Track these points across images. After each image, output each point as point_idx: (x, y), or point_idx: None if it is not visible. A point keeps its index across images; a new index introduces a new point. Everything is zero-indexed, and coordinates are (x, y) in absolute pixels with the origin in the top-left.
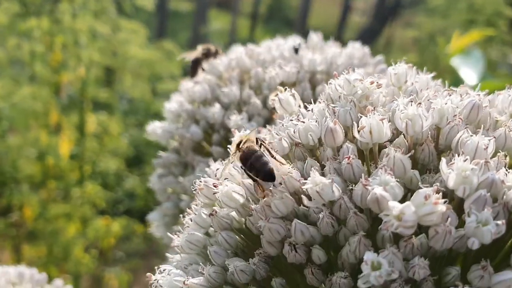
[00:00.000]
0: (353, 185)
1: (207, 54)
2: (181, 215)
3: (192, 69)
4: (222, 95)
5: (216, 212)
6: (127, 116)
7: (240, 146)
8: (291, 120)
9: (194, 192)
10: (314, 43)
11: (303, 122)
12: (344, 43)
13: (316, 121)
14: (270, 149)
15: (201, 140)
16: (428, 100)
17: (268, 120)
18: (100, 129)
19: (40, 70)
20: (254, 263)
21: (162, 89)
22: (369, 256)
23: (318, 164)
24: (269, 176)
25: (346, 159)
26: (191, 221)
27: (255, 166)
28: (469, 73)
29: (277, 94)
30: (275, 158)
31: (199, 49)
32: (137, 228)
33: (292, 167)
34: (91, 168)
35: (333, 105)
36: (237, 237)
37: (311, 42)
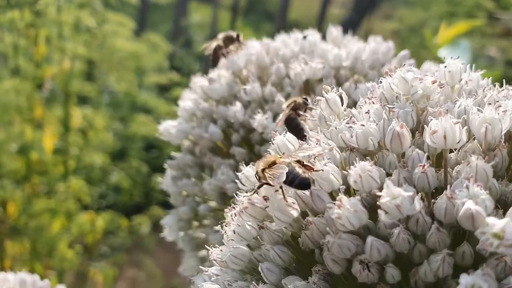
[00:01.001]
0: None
1: (228, 41)
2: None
3: (213, 58)
4: (242, 92)
5: (267, 226)
6: (112, 110)
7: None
8: (347, 123)
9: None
10: (334, 37)
11: (362, 125)
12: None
13: (376, 124)
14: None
15: (220, 141)
16: (497, 101)
17: None
18: (85, 123)
19: (23, 64)
20: (314, 282)
21: (148, 82)
22: (467, 279)
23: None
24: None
25: (420, 167)
26: (234, 233)
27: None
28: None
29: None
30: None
31: (219, 37)
32: (122, 223)
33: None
34: (75, 162)
35: (390, 106)
36: (289, 252)
37: (330, 36)
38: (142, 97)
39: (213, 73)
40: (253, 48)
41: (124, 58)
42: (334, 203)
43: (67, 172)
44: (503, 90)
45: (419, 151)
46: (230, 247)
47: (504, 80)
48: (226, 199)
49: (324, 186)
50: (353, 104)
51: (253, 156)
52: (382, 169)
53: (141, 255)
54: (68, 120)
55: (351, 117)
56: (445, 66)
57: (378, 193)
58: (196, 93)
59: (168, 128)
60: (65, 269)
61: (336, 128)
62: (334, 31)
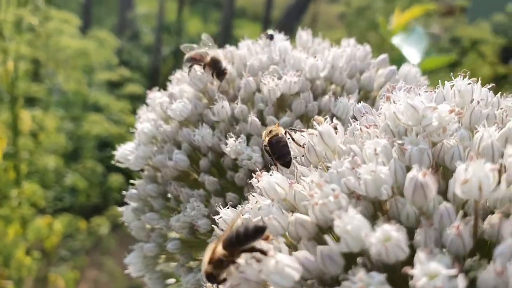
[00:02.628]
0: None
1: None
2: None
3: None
4: (209, 113)
5: None
6: (63, 110)
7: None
8: (352, 166)
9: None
10: (304, 42)
11: (373, 171)
12: (271, 22)
13: (390, 168)
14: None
15: (185, 168)
16: None
17: None
18: (35, 125)
19: None
20: None
21: (98, 80)
22: None
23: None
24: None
25: (453, 228)
26: None
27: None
28: (411, 51)
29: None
30: None
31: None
32: (81, 225)
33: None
34: (27, 166)
35: (399, 141)
36: None
37: (300, 41)
38: (93, 95)
39: (174, 88)
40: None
41: (71, 56)
42: (353, 281)
43: (19, 177)
44: None
45: (448, 206)
46: None
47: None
48: (197, 233)
49: (352, 244)
50: (331, 117)
51: (225, 183)
52: (404, 230)
53: (102, 256)
54: (16, 123)
55: (354, 156)
56: (452, 85)
57: (411, 272)
58: (155, 111)
59: (125, 154)
60: (24, 277)
61: (337, 171)
62: (304, 35)
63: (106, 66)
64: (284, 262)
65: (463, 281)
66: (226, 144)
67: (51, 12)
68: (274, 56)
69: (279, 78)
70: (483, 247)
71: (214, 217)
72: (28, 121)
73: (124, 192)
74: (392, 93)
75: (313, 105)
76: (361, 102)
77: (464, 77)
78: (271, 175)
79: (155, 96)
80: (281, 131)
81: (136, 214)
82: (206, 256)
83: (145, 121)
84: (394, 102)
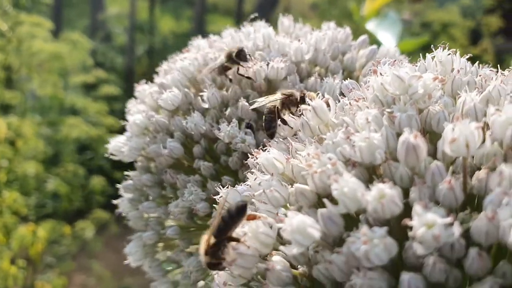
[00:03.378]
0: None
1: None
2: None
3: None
4: (200, 100)
5: (273, 266)
6: (39, 115)
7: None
8: (346, 135)
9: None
10: (286, 27)
11: (367, 137)
12: (244, 16)
13: (382, 134)
14: None
15: (180, 156)
16: (508, 94)
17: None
18: (11, 133)
19: None
20: None
21: (74, 82)
22: None
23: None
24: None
25: (445, 183)
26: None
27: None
28: (386, 36)
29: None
30: None
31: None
32: (65, 230)
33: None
34: (6, 174)
35: (389, 110)
36: None
37: (282, 27)
38: (69, 98)
39: (163, 78)
40: (202, 48)
41: (46, 59)
42: (357, 237)
43: None
44: (499, 76)
45: (439, 164)
46: None
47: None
48: (194, 217)
49: (350, 205)
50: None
51: (219, 168)
52: (399, 188)
53: (89, 259)
54: None
55: (347, 127)
56: (433, 57)
57: (410, 223)
58: (144, 103)
59: (118, 146)
60: (10, 286)
61: (332, 142)
62: (286, 21)
63: (80, 69)
64: (306, 222)
65: (458, 229)
66: (219, 129)
67: (21, 16)
68: (258, 42)
69: (266, 63)
70: (472, 202)
71: (214, 197)
72: (3, 128)
73: (118, 185)
74: (377, 67)
75: (300, 87)
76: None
77: (444, 48)
78: (268, 152)
79: (144, 88)
80: (296, 94)
81: (132, 204)
82: (202, 249)
83: (136, 113)
84: (381, 74)
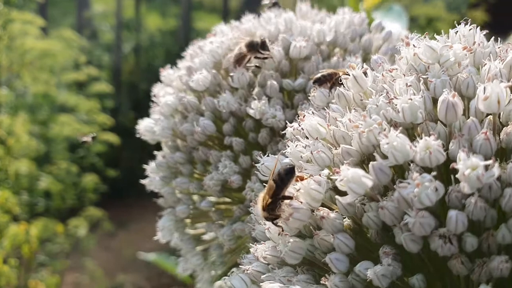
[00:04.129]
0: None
1: (252, 48)
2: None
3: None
4: (230, 80)
5: (328, 214)
6: (31, 113)
7: None
8: (387, 99)
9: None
10: (304, 13)
11: (411, 99)
12: (231, 13)
13: (421, 97)
14: None
15: (213, 133)
16: None
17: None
18: (2, 131)
19: None
20: (389, 264)
21: (66, 80)
22: None
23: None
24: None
25: (483, 134)
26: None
27: None
28: (395, 27)
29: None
30: None
31: (241, 45)
32: (58, 228)
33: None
34: None
35: (424, 76)
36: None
37: (300, 12)
38: (61, 96)
39: (191, 62)
40: (225, 33)
41: (37, 57)
42: (408, 182)
43: None
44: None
45: (474, 119)
46: (286, 242)
47: None
48: (225, 191)
49: (399, 157)
50: None
51: (247, 145)
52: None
53: (81, 258)
54: None
55: (387, 92)
56: (456, 32)
57: (457, 166)
58: (171, 86)
59: (149, 126)
60: (3, 286)
61: (376, 105)
62: (304, 7)
63: (72, 66)
64: (359, 173)
65: (498, 170)
66: (247, 108)
67: (12, 14)
68: (280, 26)
69: (289, 46)
70: (502, 155)
71: (255, 164)
72: None
73: (145, 166)
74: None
75: (323, 66)
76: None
77: (466, 24)
78: (311, 118)
79: (169, 72)
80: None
81: (165, 181)
82: (259, 205)
83: (166, 94)
84: (414, 46)
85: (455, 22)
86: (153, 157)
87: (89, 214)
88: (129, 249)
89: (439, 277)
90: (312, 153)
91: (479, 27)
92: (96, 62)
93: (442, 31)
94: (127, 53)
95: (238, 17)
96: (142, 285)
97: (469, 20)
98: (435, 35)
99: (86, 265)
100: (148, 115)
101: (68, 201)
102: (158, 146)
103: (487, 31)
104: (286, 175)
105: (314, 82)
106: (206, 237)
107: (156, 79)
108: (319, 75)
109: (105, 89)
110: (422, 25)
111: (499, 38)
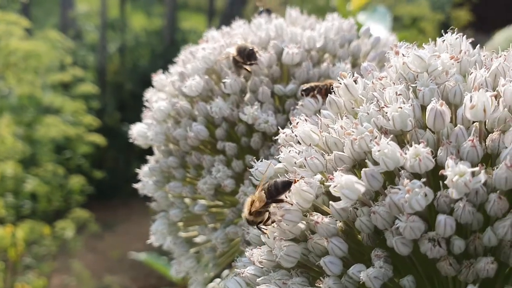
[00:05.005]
0: None
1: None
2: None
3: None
4: (221, 86)
5: (322, 219)
6: (16, 115)
7: None
8: (378, 107)
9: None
10: (294, 18)
11: (400, 108)
12: (216, 13)
13: (411, 105)
14: None
15: (205, 138)
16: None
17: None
18: None
19: None
20: (380, 266)
21: (51, 81)
22: None
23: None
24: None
25: (470, 141)
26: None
27: None
28: (378, 28)
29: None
30: None
31: (232, 50)
32: (45, 230)
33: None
34: None
35: (413, 85)
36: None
37: (289, 18)
38: (47, 97)
39: (183, 67)
40: (217, 39)
41: (22, 58)
42: (398, 188)
43: None
44: (500, 56)
45: (461, 127)
46: (282, 246)
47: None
48: (218, 195)
49: (390, 164)
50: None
51: (239, 149)
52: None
53: (69, 260)
54: None
55: (377, 100)
56: (443, 40)
57: (445, 173)
58: (164, 91)
59: (142, 131)
60: None
61: (367, 113)
62: (293, 12)
63: (57, 67)
64: (352, 179)
65: (484, 176)
66: (239, 113)
67: None
68: (270, 33)
69: (280, 52)
70: (487, 161)
71: (249, 170)
72: None
73: (137, 170)
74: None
75: (313, 72)
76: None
77: (452, 32)
78: (304, 125)
79: (161, 78)
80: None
81: (158, 186)
82: (246, 209)
83: (160, 99)
84: (403, 55)
85: (439, 21)
86: (139, 158)
87: (75, 216)
88: (115, 251)
89: (428, 278)
90: (305, 159)
91: (464, 35)
92: (81, 63)
93: (427, 33)
94: (112, 53)
95: (224, 17)
96: (129, 286)
97: (456, 29)
98: (423, 44)
99: (73, 267)
100: (133, 116)
101: (54, 203)
102: (143, 148)
103: (471, 30)
104: (283, 188)
105: (302, 92)
106: (197, 239)
107: (141, 79)
108: (307, 85)
109: (90, 90)
110: (406, 24)
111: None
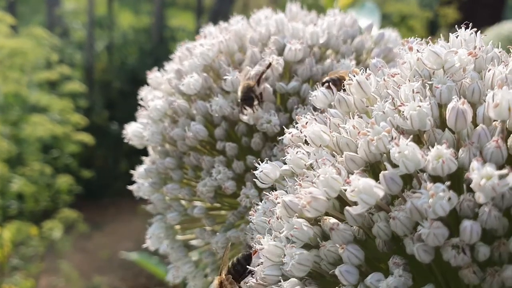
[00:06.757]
0: None
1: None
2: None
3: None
4: (221, 83)
5: (338, 226)
6: (1, 114)
7: None
8: (394, 106)
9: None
10: (294, 14)
11: (419, 106)
12: (204, 10)
13: (429, 104)
14: None
15: (205, 138)
16: None
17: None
18: None
19: None
20: (400, 275)
21: (39, 79)
22: None
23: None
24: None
25: (494, 142)
26: (292, 236)
27: None
28: (367, 23)
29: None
30: None
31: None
32: (32, 231)
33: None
34: None
35: (429, 82)
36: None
37: (290, 13)
38: (33, 96)
39: (180, 64)
40: (215, 35)
41: (7, 56)
42: (421, 192)
43: None
44: None
45: (484, 127)
46: (293, 255)
47: None
48: (218, 197)
49: (410, 166)
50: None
51: (240, 149)
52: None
53: (57, 260)
54: None
55: (392, 98)
56: (457, 36)
57: (471, 176)
58: (160, 90)
59: (137, 131)
60: None
61: (383, 112)
62: (294, 7)
63: (44, 65)
64: (371, 183)
65: None
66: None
67: None
68: (271, 28)
69: (282, 48)
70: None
71: (250, 171)
72: None
73: (132, 171)
74: (405, 45)
75: (317, 69)
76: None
77: (466, 28)
78: (314, 125)
79: (156, 75)
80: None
81: (154, 187)
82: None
83: (154, 98)
84: (417, 50)
85: (427, 19)
86: (128, 157)
87: (63, 216)
88: (104, 250)
89: (447, 286)
90: (316, 161)
91: (479, 31)
92: (68, 61)
93: (416, 31)
94: (100, 51)
95: (212, 15)
96: (118, 286)
97: (470, 24)
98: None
99: (61, 267)
100: (121, 114)
101: (42, 203)
102: (133, 146)
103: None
104: (247, 261)
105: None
106: (194, 242)
107: (130, 77)
108: (327, 78)
109: (78, 89)
110: (395, 22)
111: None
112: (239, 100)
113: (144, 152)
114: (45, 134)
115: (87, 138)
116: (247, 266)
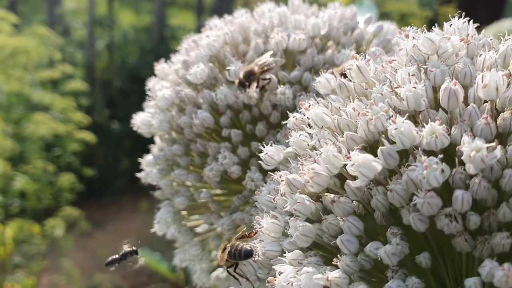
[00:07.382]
0: None
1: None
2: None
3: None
4: (226, 73)
5: (338, 198)
6: (4, 112)
7: None
8: (391, 88)
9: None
10: (296, 7)
11: (414, 87)
12: (205, 8)
13: (424, 86)
14: None
15: (211, 125)
16: None
17: None
18: None
19: None
20: (397, 243)
21: (42, 78)
22: None
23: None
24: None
25: (483, 119)
26: (295, 210)
27: None
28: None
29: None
30: None
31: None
32: (34, 229)
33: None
34: None
35: (424, 66)
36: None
37: (293, 7)
38: (35, 94)
39: (187, 55)
40: (220, 27)
41: (10, 54)
42: (416, 165)
43: None
44: (507, 40)
45: (474, 106)
46: (297, 226)
47: None
48: (223, 182)
49: (406, 142)
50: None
51: (244, 136)
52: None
53: (58, 258)
54: None
55: (390, 82)
56: (450, 24)
57: (462, 149)
58: (167, 80)
59: (146, 120)
60: None
61: (381, 94)
62: (296, 1)
63: (44, 64)
64: (369, 158)
65: (500, 151)
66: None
67: None
68: (274, 20)
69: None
70: (499, 139)
71: (255, 156)
72: None
73: (140, 159)
74: (402, 34)
75: (318, 59)
76: None
77: (459, 17)
78: (316, 107)
79: (163, 66)
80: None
81: (162, 174)
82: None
83: (163, 88)
84: (413, 38)
85: (427, 18)
86: (129, 155)
87: (65, 214)
88: (106, 248)
89: (441, 255)
90: (319, 141)
91: (471, 20)
92: (69, 60)
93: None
94: (100, 50)
95: (212, 14)
96: (120, 284)
97: (463, 13)
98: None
99: (63, 265)
100: (122, 113)
101: (44, 201)
102: (133, 144)
103: None
104: (245, 257)
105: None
106: (199, 229)
107: (130, 76)
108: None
109: (80, 87)
110: (395, 20)
111: None
112: (237, 81)
113: (145, 150)
114: (48, 132)
115: (89, 136)
116: (242, 261)
